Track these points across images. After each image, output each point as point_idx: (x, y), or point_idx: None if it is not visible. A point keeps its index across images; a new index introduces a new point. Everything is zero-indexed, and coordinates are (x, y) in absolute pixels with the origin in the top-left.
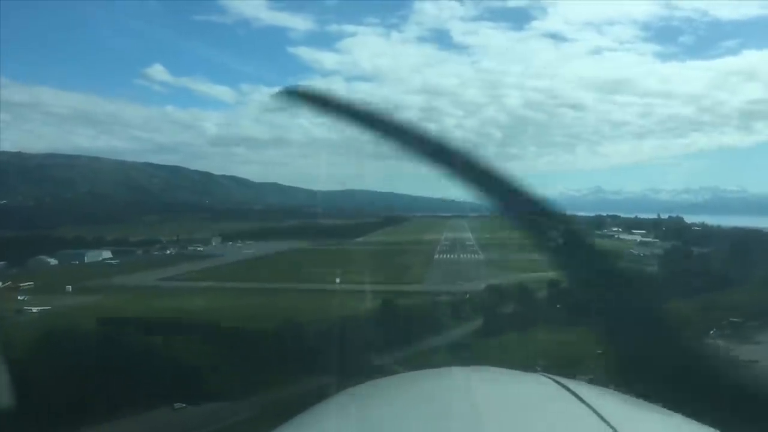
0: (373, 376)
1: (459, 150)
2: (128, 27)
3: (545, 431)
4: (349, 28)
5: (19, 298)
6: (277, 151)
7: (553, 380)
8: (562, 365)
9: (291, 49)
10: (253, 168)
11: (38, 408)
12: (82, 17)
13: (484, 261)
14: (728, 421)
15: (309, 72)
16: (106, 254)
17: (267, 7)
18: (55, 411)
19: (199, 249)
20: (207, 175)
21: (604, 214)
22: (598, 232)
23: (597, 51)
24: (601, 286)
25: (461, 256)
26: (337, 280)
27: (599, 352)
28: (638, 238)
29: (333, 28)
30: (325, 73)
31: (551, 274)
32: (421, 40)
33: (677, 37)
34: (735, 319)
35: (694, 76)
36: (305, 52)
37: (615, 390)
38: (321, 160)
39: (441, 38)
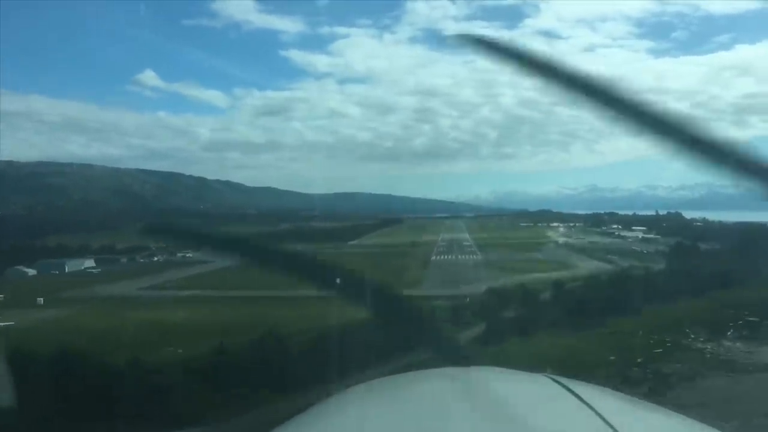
0: None
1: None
2: (119, 34)
3: (545, 431)
4: (341, 29)
5: None
6: (271, 155)
7: (553, 380)
8: (573, 374)
9: (283, 52)
10: (248, 172)
11: None
12: (72, 26)
13: (483, 262)
14: None
15: (302, 74)
16: (89, 263)
17: (257, 10)
18: None
19: (188, 255)
20: (201, 181)
21: (602, 211)
22: (597, 230)
23: (590, 48)
24: None
25: (459, 257)
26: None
27: (612, 358)
28: (640, 235)
29: (325, 30)
30: (318, 76)
31: (554, 275)
32: (414, 40)
33: (670, 33)
34: (751, 318)
35: (687, 71)
36: (297, 55)
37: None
38: (315, 164)
39: (434, 38)
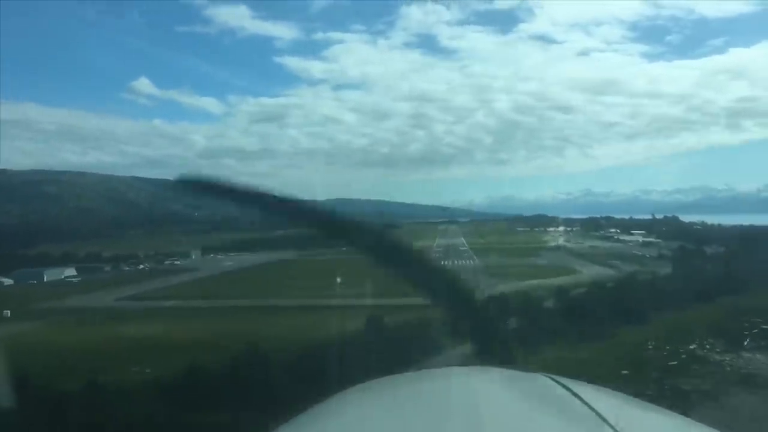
0: None
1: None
2: (113, 41)
3: (545, 431)
4: (336, 35)
5: None
6: (267, 162)
7: (553, 380)
8: None
9: (277, 59)
10: (243, 179)
11: None
12: (66, 33)
13: (481, 268)
14: None
15: (296, 81)
16: (69, 272)
17: (251, 17)
18: None
19: (175, 263)
20: None
21: (597, 216)
22: (596, 234)
23: (585, 52)
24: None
25: (455, 262)
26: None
27: (624, 372)
28: (640, 239)
29: (319, 36)
30: (313, 82)
31: (556, 281)
32: (408, 46)
33: (664, 37)
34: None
35: (681, 75)
36: (292, 61)
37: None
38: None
39: (428, 43)
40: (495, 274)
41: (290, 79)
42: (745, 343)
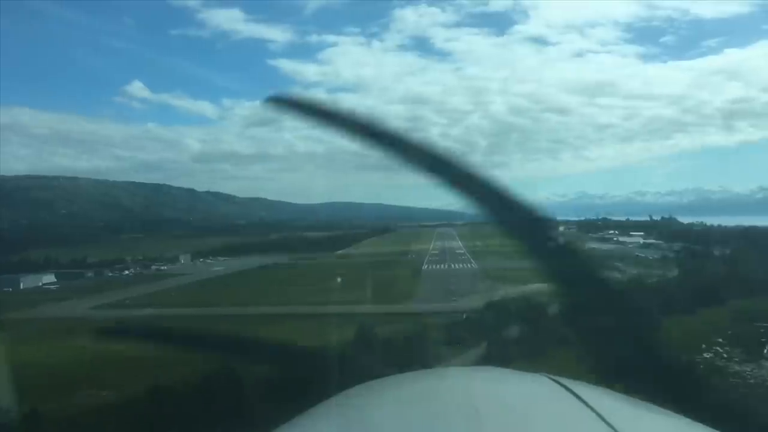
0: None
1: (449, 158)
2: (105, 45)
3: (545, 431)
4: (330, 38)
5: None
6: (262, 166)
7: (553, 380)
8: None
9: (271, 62)
10: (238, 183)
11: None
12: (59, 37)
13: (479, 271)
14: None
15: (291, 84)
16: (48, 278)
17: (245, 20)
18: None
19: (162, 268)
20: (191, 192)
21: (593, 217)
22: (594, 236)
23: (580, 54)
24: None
25: (452, 266)
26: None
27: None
28: (640, 240)
29: (313, 38)
30: (307, 85)
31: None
32: (403, 48)
33: (659, 38)
34: None
35: (676, 76)
36: (286, 64)
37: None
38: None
39: (423, 46)
40: (494, 278)
41: (285, 82)
42: (765, 351)
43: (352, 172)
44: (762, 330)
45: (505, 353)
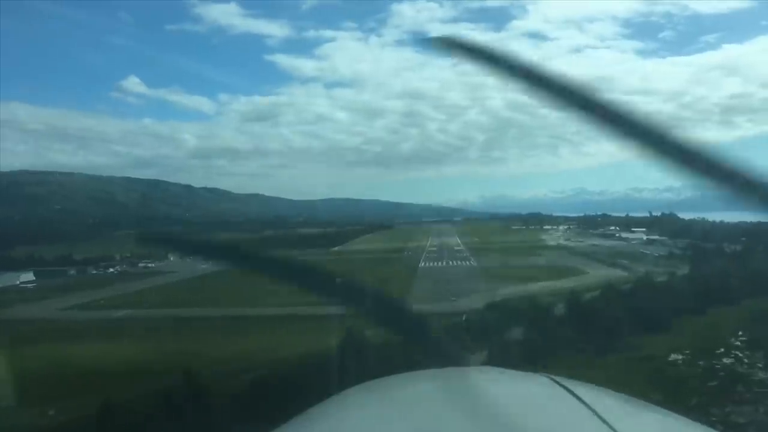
0: None
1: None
2: (101, 40)
3: (545, 431)
4: (327, 33)
5: None
6: (258, 162)
7: (553, 380)
8: None
9: (268, 57)
10: (235, 179)
11: None
12: (54, 32)
13: (479, 269)
14: None
15: (288, 79)
16: (27, 277)
17: (241, 15)
18: None
19: (149, 265)
20: (187, 188)
21: (592, 214)
22: (594, 232)
23: (578, 49)
24: None
25: (450, 263)
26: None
27: (657, 398)
28: (643, 237)
29: (310, 33)
30: (305, 80)
31: (564, 284)
32: (400, 43)
33: (657, 33)
34: None
35: (674, 72)
36: (283, 60)
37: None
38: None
39: (419, 40)
40: (495, 276)
41: (282, 78)
42: None
43: (349, 168)
44: None
45: (509, 359)
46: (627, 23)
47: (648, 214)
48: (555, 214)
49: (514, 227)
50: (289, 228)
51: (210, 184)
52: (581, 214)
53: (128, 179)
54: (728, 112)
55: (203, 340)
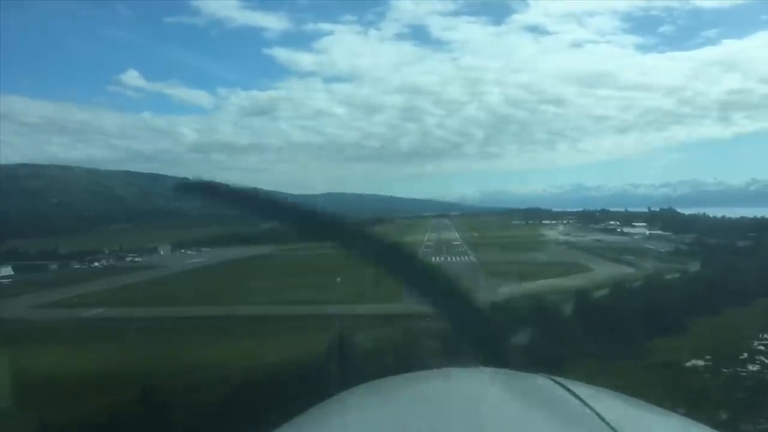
0: None
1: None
2: (99, 32)
3: (545, 431)
4: (326, 26)
5: None
6: (257, 156)
7: (553, 380)
8: None
9: (267, 51)
10: (233, 174)
11: None
12: (52, 25)
13: (478, 265)
14: None
15: (286, 73)
16: (6, 271)
17: (240, 7)
18: None
19: (136, 260)
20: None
21: (591, 209)
22: (595, 227)
23: (578, 44)
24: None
25: (449, 259)
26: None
27: (681, 411)
28: (645, 232)
29: (309, 27)
30: (303, 75)
31: (569, 282)
32: (400, 37)
33: (657, 28)
34: None
35: (674, 67)
36: (281, 53)
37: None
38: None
39: (419, 35)
40: (496, 273)
41: (280, 72)
42: None
43: (348, 162)
44: None
45: (514, 366)
46: (627, 17)
47: (647, 209)
48: (554, 209)
49: (513, 222)
50: (288, 225)
51: (209, 179)
52: (580, 209)
53: (127, 173)
54: (727, 108)
55: (177, 343)
